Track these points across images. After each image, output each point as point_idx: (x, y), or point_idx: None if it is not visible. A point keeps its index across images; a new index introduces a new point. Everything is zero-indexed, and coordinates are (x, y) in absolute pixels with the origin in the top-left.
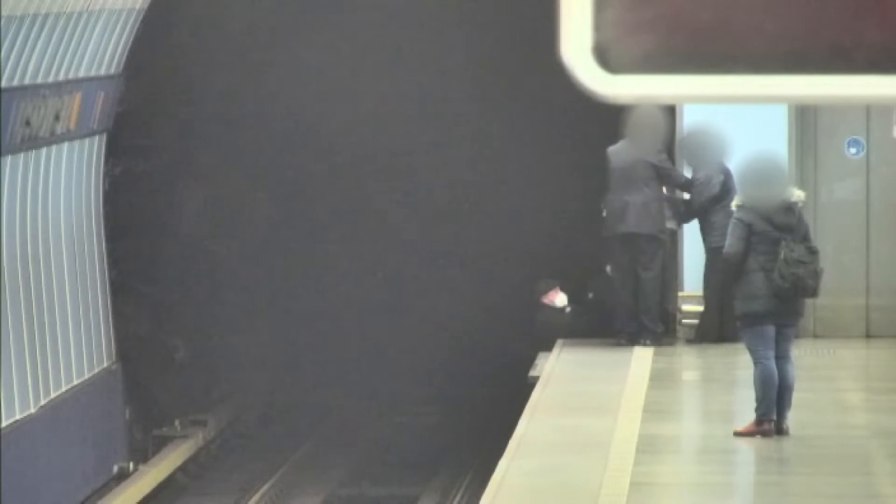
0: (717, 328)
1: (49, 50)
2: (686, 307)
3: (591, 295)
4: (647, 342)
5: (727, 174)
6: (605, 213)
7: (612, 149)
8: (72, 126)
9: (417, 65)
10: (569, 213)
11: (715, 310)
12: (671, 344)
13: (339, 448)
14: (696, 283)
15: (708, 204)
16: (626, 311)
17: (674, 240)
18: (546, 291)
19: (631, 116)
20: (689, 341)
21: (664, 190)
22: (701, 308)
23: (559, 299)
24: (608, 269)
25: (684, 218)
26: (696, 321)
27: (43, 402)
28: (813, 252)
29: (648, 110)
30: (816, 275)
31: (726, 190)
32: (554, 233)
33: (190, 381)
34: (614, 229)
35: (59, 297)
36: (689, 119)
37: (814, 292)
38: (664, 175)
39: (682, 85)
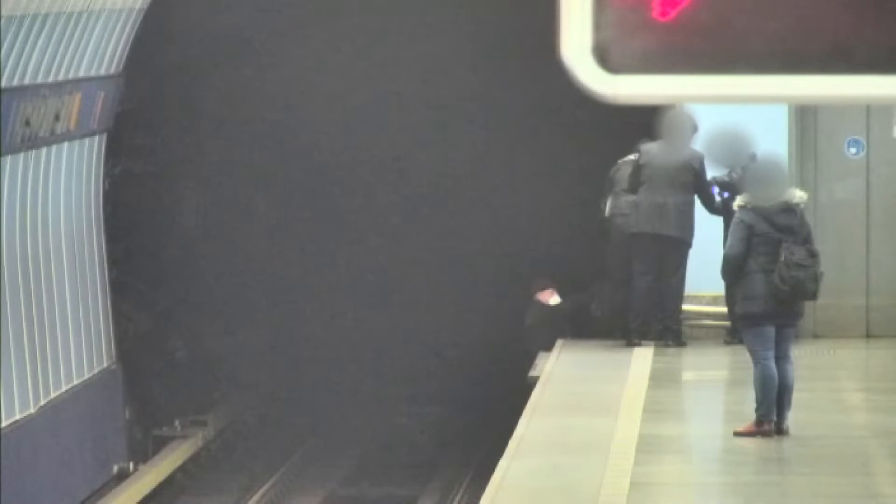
0: None
1: (49, 50)
2: (687, 307)
3: (594, 308)
4: (671, 343)
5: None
6: (612, 212)
7: (647, 147)
8: (72, 126)
9: (418, 66)
10: (571, 214)
11: None
12: (685, 345)
13: (339, 448)
14: (697, 284)
15: None
16: (642, 311)
17: None
18: (541, 289)
19: (666, 117)
20: (727, 343)
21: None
22: (717, 308)
23: (552, 299)
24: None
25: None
26: (698, 321)
27: (43, 402)
28: (813, 255)
29: (684, 111)
30: (816, 278)
31: None
32: (555, 234)
33: (190, 381)
34: (641, 227)
35: (59, 297)
36: (704, 120)
37: (813, 296)
38: (700, 186)
39: (682, 85)
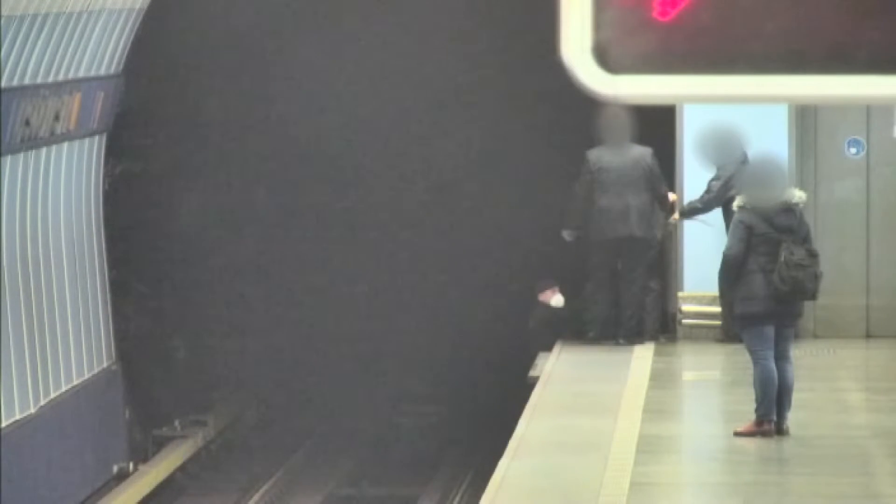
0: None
1: (49, 50)
2: (686, 307)
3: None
4: (644, 341)
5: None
6: (591, 218)
7: (595, 152)
8: (72, 126)
9: (419, 64)
10: None
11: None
12: (670, 342)
13: (339, 448)
14: (696, 283)
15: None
16: (607, 309)
17: (674, 240)
18: (544, 290)
19: (602, 119)
20: (719, 341)
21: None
22: (704, 307)
23: (556, 300)
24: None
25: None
26: (697, 321)
27: (43, 402)
28: (813, 255)
29: (617, 110)
30: (816, 278)
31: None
32: (555, 233)
33: (190, 381)
34: (610, 232)
35: (59, 297)
36: (698, 118)
37: (813, 295)
38: (653, 184)
39: (682, 85)
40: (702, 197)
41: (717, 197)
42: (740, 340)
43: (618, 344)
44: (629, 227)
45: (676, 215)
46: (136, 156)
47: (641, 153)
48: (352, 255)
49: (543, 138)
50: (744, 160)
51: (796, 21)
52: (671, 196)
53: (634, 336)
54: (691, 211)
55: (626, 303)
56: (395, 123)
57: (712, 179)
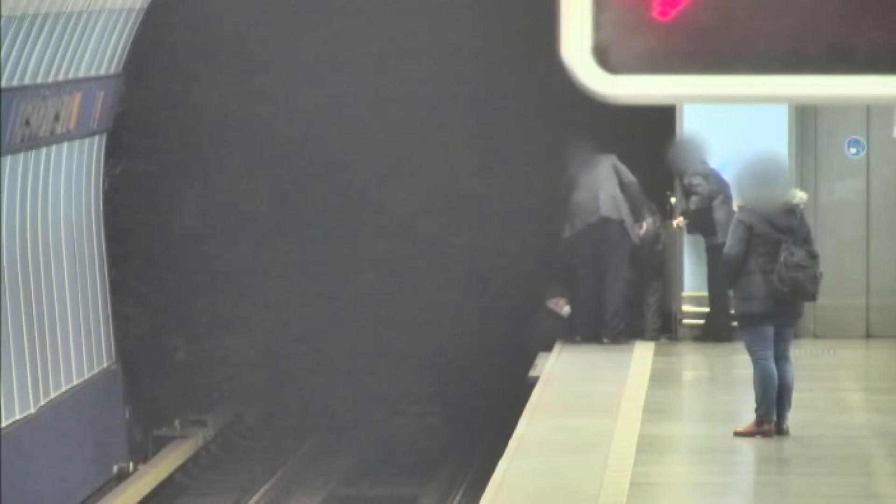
0: (724, 327)
1: (49, 50)
2: (686, 307)
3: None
4: (606, 340)
5: (705, 175)
6: (573, 217)
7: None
8: (72, 126)
9: (419, 63)
10: None
11: (721, 308)
12: (671, 342)
13: (339, 448)
14: (696, 283)
15: (695, 214)
16: (591, 309)
17: (675, 239)
18: (554, 296)
19: (568, 155)
20: (697, 339)
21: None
22: (703, 308)
23: (565, 310)
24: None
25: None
26: (697, 321)
27: (43, 402)
28: (813, 256)
29: (575, 148)
30: (816, 279)
31: (706, 195)
32: (556, 233)
33: (190, 381)
34: (583, 222)
35: (59, 297)
36: (688, 122)
37: (813, 297)
38: (624, 177)
39: (682, 85)
40: (693, 201)
41: (705, 194)
42: (719, 340)
43: (602, 344)
44: (599, 212)
45: (680, 219)
46: (136, 156)
47: (607, 159)
48: (351, 255)
49: (545, 138)
50: (703, 162)
51: (796, 21)
52: (646, 224)
53: (618, 335)
54: (697, 207)
55: (609, 300)
56: (396, 123)
57: (691, 192)
